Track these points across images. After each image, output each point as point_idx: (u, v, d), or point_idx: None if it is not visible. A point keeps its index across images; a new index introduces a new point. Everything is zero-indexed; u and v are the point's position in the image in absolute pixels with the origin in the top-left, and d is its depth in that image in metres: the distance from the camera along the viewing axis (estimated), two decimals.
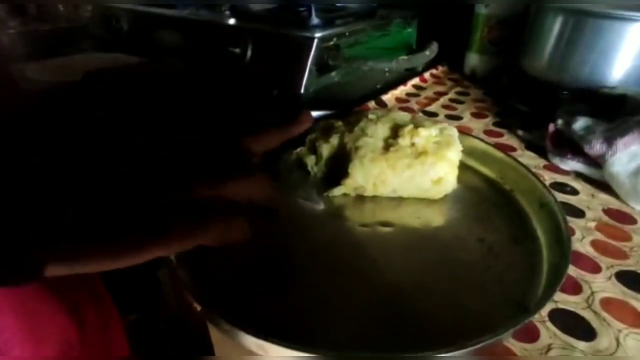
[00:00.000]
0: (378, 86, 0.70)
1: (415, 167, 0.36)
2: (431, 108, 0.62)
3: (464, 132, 0.53)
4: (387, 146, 0.38)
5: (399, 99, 0.65)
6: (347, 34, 0.60)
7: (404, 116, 0.42)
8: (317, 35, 0.56)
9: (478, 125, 0.56)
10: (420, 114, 0.59)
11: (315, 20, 0.61)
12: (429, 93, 0.68)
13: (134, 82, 0.69)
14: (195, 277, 0.29)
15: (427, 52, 0.59)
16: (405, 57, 0.55)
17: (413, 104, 0.63)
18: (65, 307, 0.30)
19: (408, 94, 0.67)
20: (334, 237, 0.35)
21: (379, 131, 0.40)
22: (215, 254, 0.32)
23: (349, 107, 0.59)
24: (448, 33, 0.82)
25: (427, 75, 0.74)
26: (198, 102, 0.65)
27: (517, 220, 0.36)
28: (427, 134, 0.37)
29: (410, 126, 0.38)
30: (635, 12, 0.50)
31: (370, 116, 0.42)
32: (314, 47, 0.55)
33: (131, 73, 0.72)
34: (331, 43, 0.58)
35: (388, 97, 0.63)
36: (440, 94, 0.67)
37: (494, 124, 0.57)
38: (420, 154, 0.37)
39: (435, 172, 0.36)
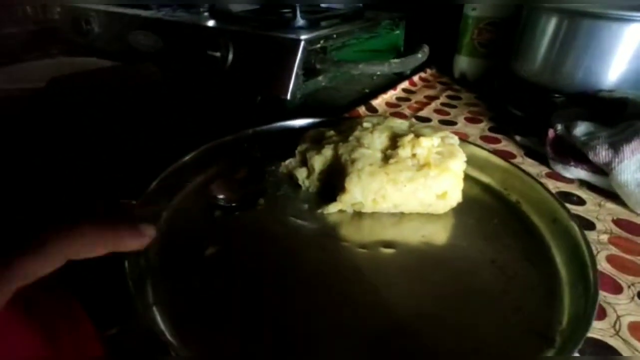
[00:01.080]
0: (366, 90, 0.67)
1: (417, 180, 0.33)
2: (424, 113, 0.59)
3: (462, 139, 0.51)
4: (386, 158, 0.35)
5: (389, 104, 0.62)
6: (334, 36, 0.57)
7: (401, 124, 0.39)
8: (304, 37, 0.52)
9: (474, 131, 0.54)
10: (414, 120, 0.56)
11: (300, 21, 0.58)
12: (419, 97, 0.65)
13: (104, 88, 0.64)
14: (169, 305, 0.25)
15: (420, 55, 0.56)
16: (397, 60, 0.53)
17: (405, 108, 0.60)
18: (34, 325, 0.27)
19: (398, 99, 0.64)
20: (328, 260, 0.31)
21: (377, 141, 0.36)
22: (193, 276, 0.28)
23: (337, 113, 0.55)
24: (436, 35, 0.80)
25: (416, 78, 0.72)
26: (173, 109, 0.60)
27: (528, 237, 0.33)
28: (429, 144, 0.34)
29: (411, 136, 0.35)
30: (633, 12, 0.48)
31: (365, 124, 0.38)
32: (300, 49, 0.52)
33: (101, 78, 0.67)
34: (318, 46, 0.54)
35: (378, 102, 0.60)
36: (431, 98, 0.65)
37: (490, 129, 0.55)
38: (423, 166, 0.33)
39: (440, 186, 0.33)
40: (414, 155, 0.34)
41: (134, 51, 0.76)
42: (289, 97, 0.53)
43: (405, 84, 0.68)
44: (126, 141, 0.50)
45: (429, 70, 0.76)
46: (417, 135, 0.35)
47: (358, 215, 0.35)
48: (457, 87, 0.71)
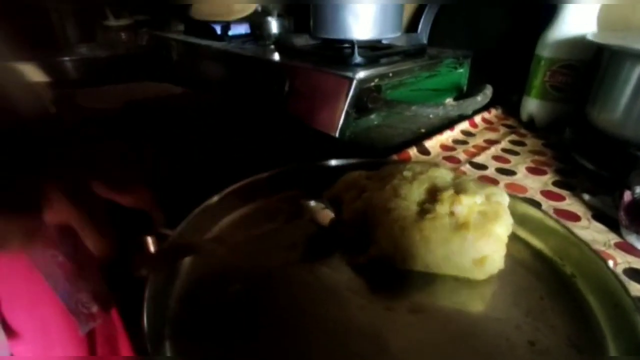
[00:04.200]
0: (422, 130, 0.65)
1: (453, 242, 0.30)
2: (480, 159, 0.55)
3: (516, 192, 0.47)
4: (422, 212, 0.33)
5: (444, 146, 0.59)
6: (390, 74, 0.56)
7: (445, 174, 0.37)
8: (357, 75, 0.52)
9: (534, 184, 0.49)
10: (468, 166, 0.53)
11: (357, 58, 0.58)
12: (478, 140, 0.62)
13: (171, 113, 0.69)
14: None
15: (479, 98, 0.54)
16: (453, 103, 0.50)
17: (460, 152, 0.57)
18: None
19: (455, 141, 0.61)
20: (350, 319, 0.29)
21: (414, 192, 0.35)
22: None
23: (388, 153, 0.54)
24: (503, 73, 0.76)
25: (478, 119, 0.68)
26: (229, 137, 0.63)
27: (579, 319, 0.29)
28: (470, 202, 0.32)
29: (451, 191, 0.33)
30: None
31: (406, 173, 0.37)
32: (352, 88, 0.52)
33: (169, 104, 0.73)
34: (372, 84, 0.54)
35: (432, 144, 0.58)
36: (491, 142, 0.61)
37: (554, 184, 0.50)
38: (461, 226, 0.31)
39: (478, 250, 0.31)
40: (452, 213, 0.32)
41: (204, 79, 0.81)
42: (337, 134, 0.53)
43: (464, 125, 0.65)
44: (179, 166, 0.52)
45: (493, 111, 0.72)
46: (459, 191, 0.33)
47: (389, 269, 0.33)
48: (524, 131, 0.66)
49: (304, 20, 0.91)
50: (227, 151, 0.57)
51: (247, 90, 0.70)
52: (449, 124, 0.67)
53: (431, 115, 0.52)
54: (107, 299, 0.36)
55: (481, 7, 0.79)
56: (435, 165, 0.39)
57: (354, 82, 0.51)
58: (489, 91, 0.56)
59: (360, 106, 0.53)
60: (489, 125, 0.68)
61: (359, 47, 0.58)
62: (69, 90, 0.82)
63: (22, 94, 0.70)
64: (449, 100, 0.62)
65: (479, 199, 0.32)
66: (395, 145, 0.58)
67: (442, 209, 0.32)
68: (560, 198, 0.47)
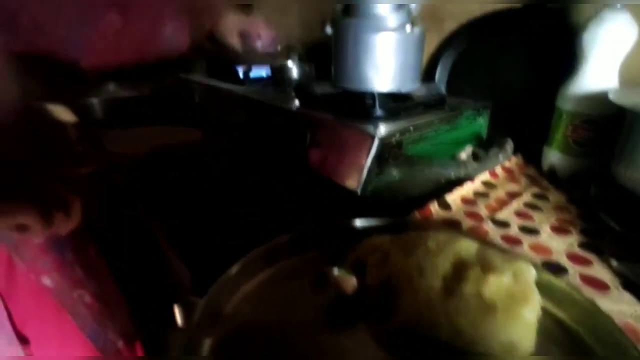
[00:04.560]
0: (442, 181, 0.65)
1: (480, 326, 0.30)
2: (502, 215, 0.55)
3: (541, 254, 0.46)
4: (447, 290, 0.32)
5: (465, 200, 0.59)
6: (411, 128, 0.57)
7: (470, 246, 0.36)
8: (379, 132, 0.53)
9: (560, 245, 0.48)
10: (490, 224, 0.53)
11: (379, 111, 0.59)
12: (500, 193, 0.61)
13: (190, 161, 0.71)
14: None
15: (501, 156, 0.53)
16: (475, 165, 0.50)
17: (482, 207, 0.57)
18: None
19: (476, 193, 0.60)
20: None
21: (439, 266, 0.34)
22: None
23: (410, 206, 0.54)
24: (523, 121, 0.76)
25: (498, 169, 0.67)
26: (249, 186, 0.64)
27: None
28: (497, 282, 0.31)
29: (477, 270, 0.32)
30: None
31: (430, 244, 0.36)
32: (374, 145, 0.52)
33: (189, 151, 0.75)
34: (394, 140, 0.55)
35: (453, 198, 0.58)
36: (513, 196, 0.60)
37: (580, 245, 0.48)
38: (488, 309, 0.30)
39: (506, 335, 0.30)
40: (479, 293, 0.31)
41: (225, 123, 0.83)
42: (359, 191, 0.53)
43: (485, 176, 0.65)
44: (198, 224, 0.53)
45: (513, 159, 0.71)
46: (485, 268, 0.32)
47: (413, 335, 0.33)
48: (546, 184, 0.65)
49: (325, 65, 0.94)
50: (247, 202, 0.58)
51: (267, 137, 0.71)
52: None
53: (452, 174, 0.52)
54: (133, 334, 0.38)
55: (499, 55, 0.80)
56: (459, 232, 0.39)
57: (376, 140, 0.52)
58: (509, 147, 0.56)
59: (382, 162, 0.53)
60: (510, 175, 0.68)
61: (379, 100, 0.59)
62: (95, 130, 0.85)
63: (51, 132, 0.73)
64: (468, 150, 0.62)
65: (506, 278, 0.32)
66: (417, 197, 0.58)
67: (468, 288, 0.32)
68: (587, 262, 0.45)
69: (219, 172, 0.66)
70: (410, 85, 0.65)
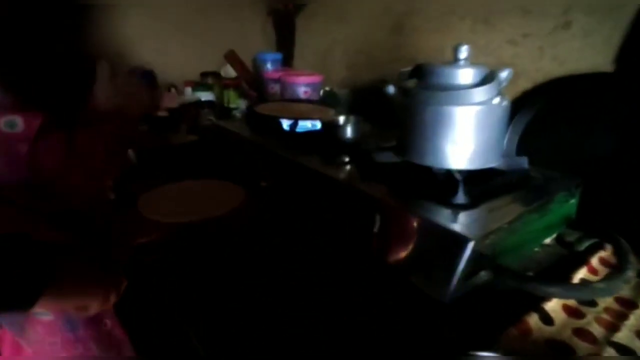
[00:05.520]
0: (529, 273, 0.55)
1: None
2: (622, 336, 0.44)
3: None
4: None
5: (568, 309, 0.48)
6: (505, 225, 0.48)
7: None
8: (473, 233, 0.43)
9: None
10: (610, 350, 0.42)
11: (461, 197, 0.50)
12: (609, 301, 0.50)
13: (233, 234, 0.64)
14: None
15: (630, 273, 0.44)
16: (601, 285, 0.41)
17: (592, 323, 0.46)
18: None
19: (580, 301, 0.50)
20: None
21: None
22: None
23: (502, 319, 0.44)
24: (615, 197, 0.66)
25: (594, 261, 0.57)
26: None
27: None
28: None
29: None
30: None
31: None
32: (467, 250, 0.43)
33: (232, 221, 0.67)
34: (487, 242, 0.45)
35: (553, 307, 0.48)
36: (626, 304, 0.49)
37: None
38: None
39: None
40: None
41: (264, 180, 0.76)
42: (446, 300, 0.44)
43: (583, 272, 0.54)
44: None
45: (609, 248, 0.60)
46: None
47: None
48: None
49: (382, 127, 0.85)
50: (298, 295, 0.49)
51: (317, 208, 0.63)
52: (559, 262, 0.57)
53: (575, 300, 0.43)
54: None
55: (582, 120, 0.71)
56: None
57: (471, 243, 0.43)
58: (634, 268, 0.46)
59: (474, 267, 0.44)
60: (610, 269, 0.57)
61: (463, 182, 0.51)
62: (130, 186, 0.78)
63: (86, 177, 0.68)
64: (587, 274, 0.53)
65: None
66: (508, 302, 0.48)
67: None
68: None
69: (266, 249, 0.58)
70: (493, 161, 0.56)
